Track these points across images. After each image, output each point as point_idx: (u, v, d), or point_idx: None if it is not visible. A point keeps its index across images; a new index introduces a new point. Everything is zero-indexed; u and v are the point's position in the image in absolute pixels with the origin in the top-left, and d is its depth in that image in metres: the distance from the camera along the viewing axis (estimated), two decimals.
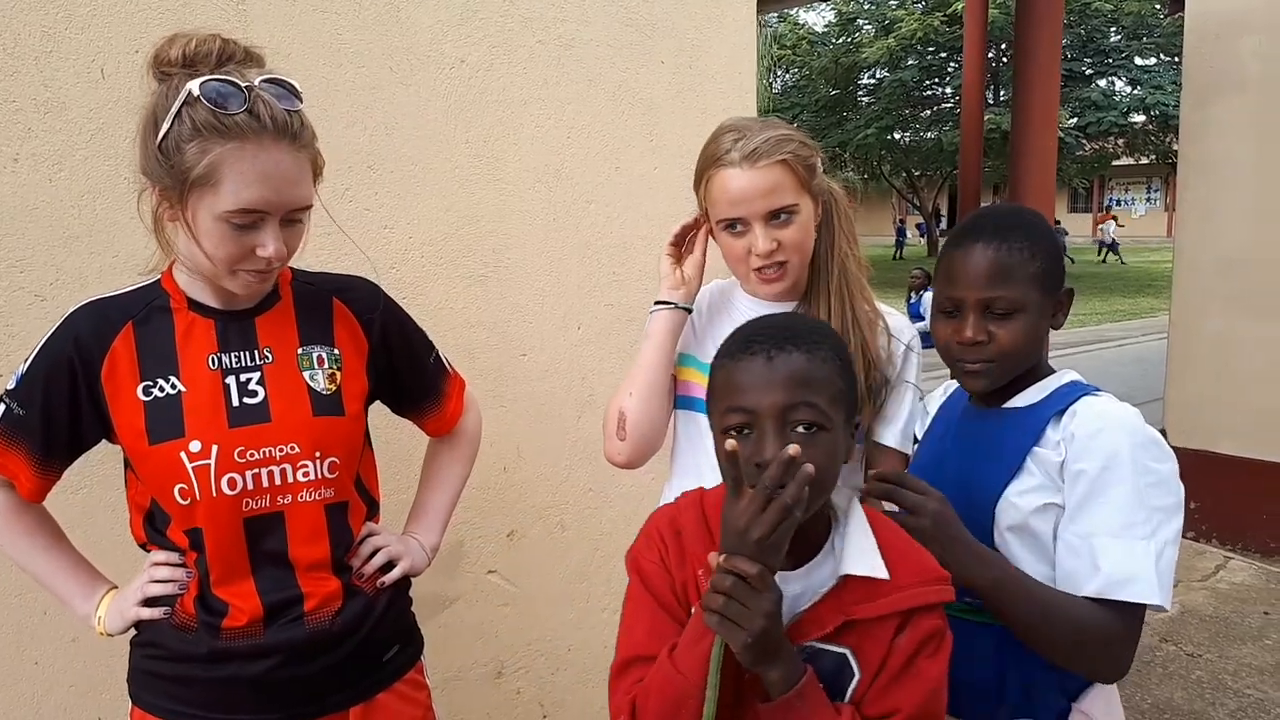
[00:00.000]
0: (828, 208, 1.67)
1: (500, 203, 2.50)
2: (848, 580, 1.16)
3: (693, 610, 1.16)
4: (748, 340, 1.15)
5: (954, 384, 1.60)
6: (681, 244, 1.75)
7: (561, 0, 2.56)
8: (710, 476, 1.43)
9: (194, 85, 1.23)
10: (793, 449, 1.03)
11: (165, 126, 1.24)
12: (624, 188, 2.73)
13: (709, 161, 1.61)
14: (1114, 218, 31.68)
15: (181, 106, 1.23)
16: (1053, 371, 1.49)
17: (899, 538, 1.23)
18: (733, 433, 1.12)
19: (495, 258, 2.50)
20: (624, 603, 1.25)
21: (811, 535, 1.19)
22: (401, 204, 2.32)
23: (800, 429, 1.10)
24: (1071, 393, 1.43)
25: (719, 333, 1.68)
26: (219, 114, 1.22)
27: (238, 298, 1.40)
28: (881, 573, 1.15)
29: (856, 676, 1.15)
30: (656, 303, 1.70)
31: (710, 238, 1.71)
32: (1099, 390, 1.44)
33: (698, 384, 1.65)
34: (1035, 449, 1.40)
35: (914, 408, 1.67)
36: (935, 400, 1.69)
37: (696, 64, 2.87)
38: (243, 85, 1.25)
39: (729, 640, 1.06)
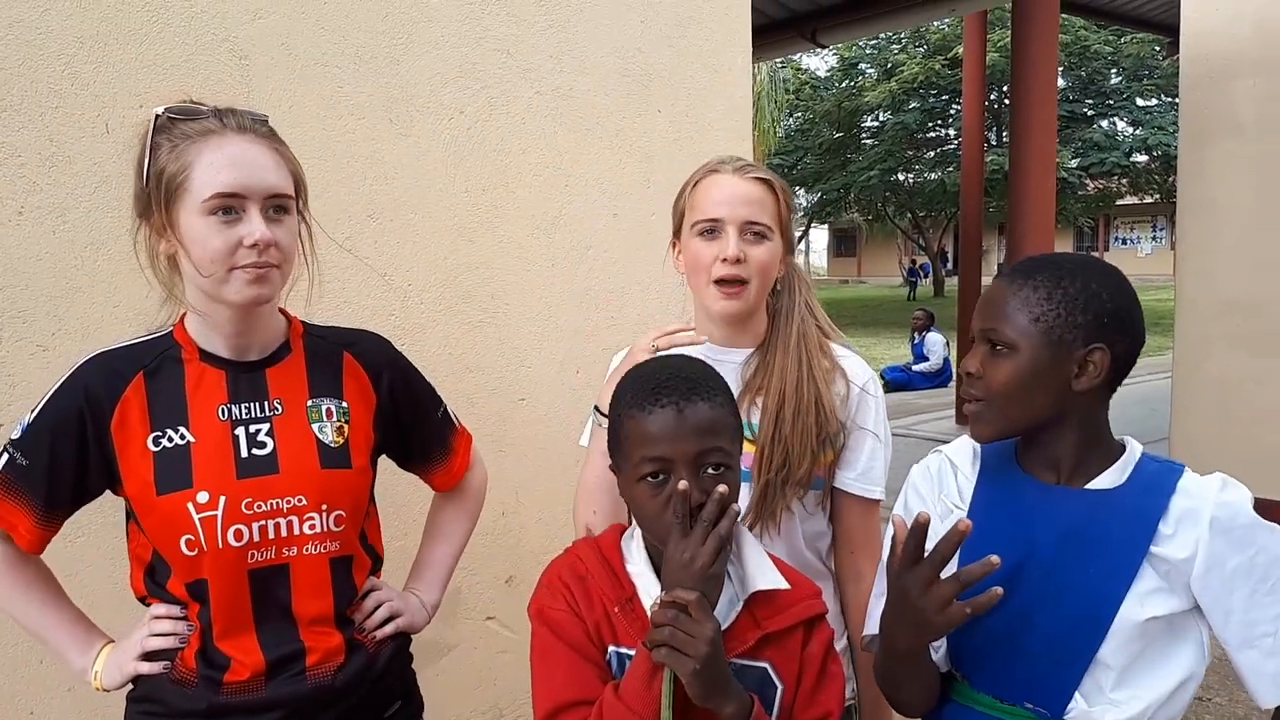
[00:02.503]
0: (789, 280, 1.70)
1: (499, 250, 2.53)
2: (753, 599, 1.26)
3: (609, 650, 1.25)
4: (655, 393, 1.22)
5: (968, 441, 1.43)
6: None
7: (559, 51, 2.61)
8: None
9: (158, 109, 1.31)
10: (722, 488, 1.16)
11: (146, 159, 1.31)
12: (622, 234, 2.76)
13: (701, 171, 1.66)
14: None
15: (153, 133, 1.31)
16: (1120, 443, 1.35)
17: (776, 559, 1.35)
18: (648, 478, 1.21)
19: (494, 304, 2.53)
20: (533, 657, 1.27)
21: None
22: (401, 252, 2.35)
23: (710, 470, 1.21)
24: (1159, 474, 1.31)
25: None
26: (185, 120, 1.30)
27: (249, 348, 1.41)
28: (783, 584, 1.27)
29: (779, 688, 1.26)
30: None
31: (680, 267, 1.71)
32: (1178, 464, 1.32)
33: None
34: (1152, 548, 1.25)
35: (877, 451, 1.65)
36: (960, 456, 1.46)
37: (693, 113, 2.91)
38: (207, 106, 1.34)
39: (678, 669, 1.11)
